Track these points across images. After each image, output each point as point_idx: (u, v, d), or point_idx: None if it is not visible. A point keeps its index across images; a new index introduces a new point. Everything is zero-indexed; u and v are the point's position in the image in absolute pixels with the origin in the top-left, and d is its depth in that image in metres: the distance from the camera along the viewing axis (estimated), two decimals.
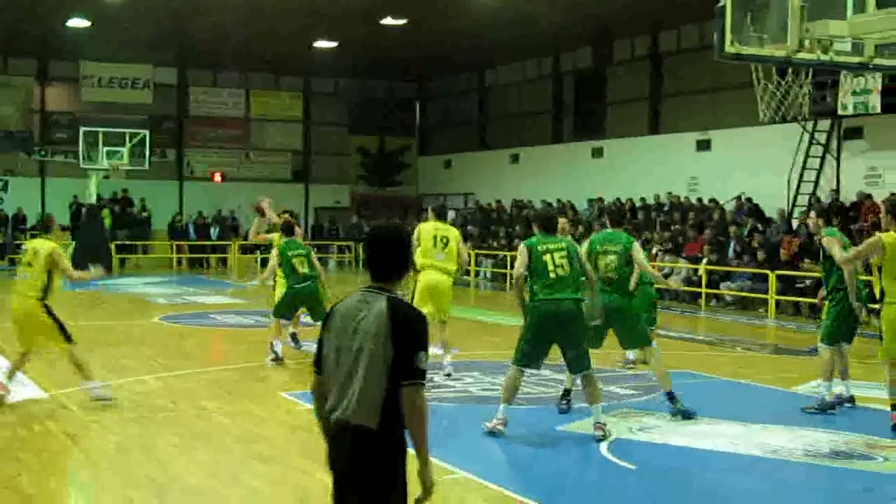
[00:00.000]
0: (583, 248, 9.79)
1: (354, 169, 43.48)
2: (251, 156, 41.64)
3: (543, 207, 26.85)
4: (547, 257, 9.07)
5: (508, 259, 30.27)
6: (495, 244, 32.52)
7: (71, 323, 10.85)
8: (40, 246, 10.47)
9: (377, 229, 4.45)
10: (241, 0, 27.84)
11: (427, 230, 12.11)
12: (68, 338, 10.42)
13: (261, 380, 12.55)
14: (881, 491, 7.84)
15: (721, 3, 6.83)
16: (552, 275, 9.03)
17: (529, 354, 9.21)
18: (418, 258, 11.83)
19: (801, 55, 7.06)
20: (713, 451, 8.82)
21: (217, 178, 40.43)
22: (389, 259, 4.37)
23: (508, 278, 29.78)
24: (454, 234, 12.31)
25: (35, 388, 11.24)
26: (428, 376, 4.30)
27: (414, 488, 4.22)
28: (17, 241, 34.30)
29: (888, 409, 9.70)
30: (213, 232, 38.03)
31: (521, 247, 9.25)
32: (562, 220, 10.92)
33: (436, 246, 11.99)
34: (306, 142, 42.61)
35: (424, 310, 10.14)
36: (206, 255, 36.84)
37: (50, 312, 10.38)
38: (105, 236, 32.71)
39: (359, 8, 28.59)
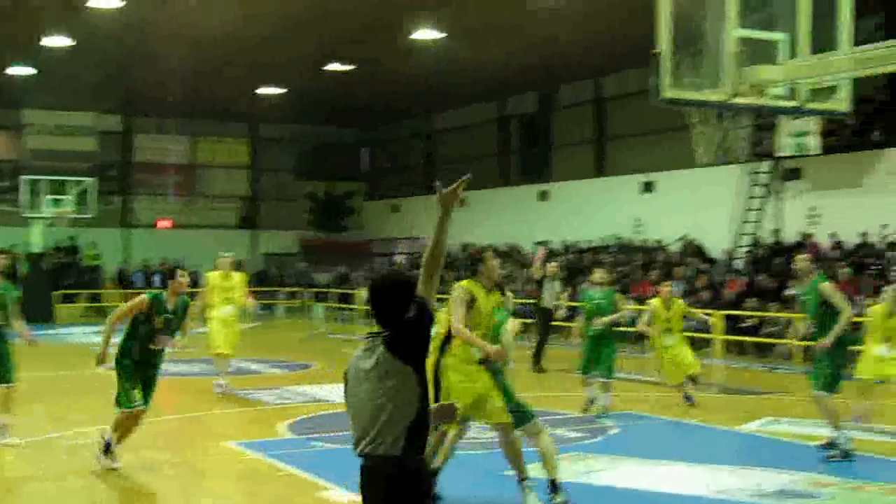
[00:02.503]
0: None
1: (303, 215, 43.38)
2: (198, 202, 41.45)
3: None
4: None
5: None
6: (443, 288, 32.43)
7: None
8: None
9: (377, 278, 4.55)
10: (185, 47, 27.78)
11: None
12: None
13: (206, 429, 12.41)
14: None
15: (657, 50, 6.92)
16: None
17: None
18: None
19: (738, 99, 7.15)
20: (659, 492, 8.83)
21: (165, 224, 40.14)
22: (390, 306, 4.42)
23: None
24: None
25: None
26: None
27: None
28: None
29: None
30: (157, 279, 37.56)
31: None
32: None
33: None
34: (254, 188, 42.52)
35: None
36: None
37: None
38: (48, 285, 32.11)
39: (304, 54, 28.67)
